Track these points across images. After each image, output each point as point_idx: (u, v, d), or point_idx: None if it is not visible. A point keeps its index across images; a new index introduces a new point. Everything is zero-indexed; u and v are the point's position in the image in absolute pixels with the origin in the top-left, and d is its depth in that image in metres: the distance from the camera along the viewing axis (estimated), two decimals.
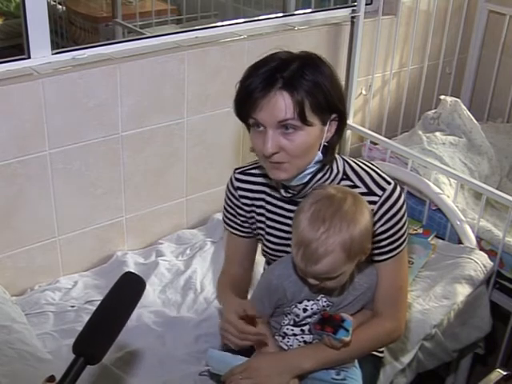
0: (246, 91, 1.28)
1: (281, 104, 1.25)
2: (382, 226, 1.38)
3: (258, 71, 1.27)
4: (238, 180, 1.51)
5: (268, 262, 1.60)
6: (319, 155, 1.34)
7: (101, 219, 2.07)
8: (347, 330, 1.31)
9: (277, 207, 1.47)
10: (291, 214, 1.44)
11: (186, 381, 1.58)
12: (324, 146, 1.34)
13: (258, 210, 1.50)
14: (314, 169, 1.36)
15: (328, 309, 1.37)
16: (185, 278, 2.01)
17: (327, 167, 1.39)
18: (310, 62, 1.29)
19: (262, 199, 1.49)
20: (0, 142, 1.77)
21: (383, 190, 1.38)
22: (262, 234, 1.53)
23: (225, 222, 1.59)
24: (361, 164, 1.43)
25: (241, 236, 1.58)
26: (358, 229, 1.25)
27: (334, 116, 1.32)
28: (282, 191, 1.42)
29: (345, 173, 1.42)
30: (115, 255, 2.13)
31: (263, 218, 1.50)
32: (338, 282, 1.30)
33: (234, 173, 1.52)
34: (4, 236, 1.89)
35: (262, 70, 1.27)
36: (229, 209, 1.55)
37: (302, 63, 1.27)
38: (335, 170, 1.41)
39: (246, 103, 1.28)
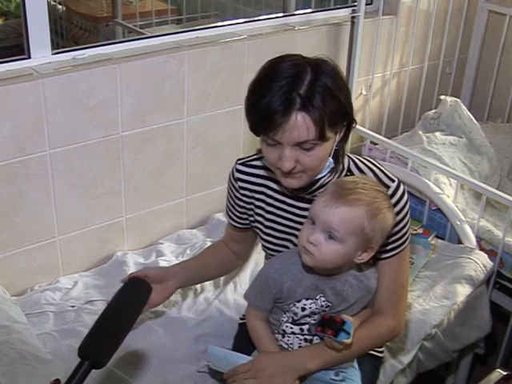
0: (265, 113, 1.25)
1: (303, 126, 1.24)
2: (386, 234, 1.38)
3: (271, 88, 1.24)
4: (238, 171, 1.51)
5: (267, 258, 1.60)
6: (330, 161, 1.36)
7: (101, 219, 2.07)
8: (348, 333, 1.31)
9: (278, 201, 1.48)
10: (293, 209, 1.45)
11: (186, 381, 1.58)
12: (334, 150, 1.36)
13: (257, 203, 1.51)
14: (324, 173, 1.38)
15: (327, 310, 1.37)
16: None
17: None
18: (320, 71, 1.27)
19: (262, 192, 1.49)
20: (0, 142, 1.77)
21: (387, 187, 1.39)
22: (259, 228, 1.53)
23: (226, 212, 1.62)
24: (365, 161, 1.45)
25: (237, 227, 1.60)
26: (382, 213, 1.28)
27: (344, 123, 1.34)
28: (290, 189, 1.43)
29: (349, 169, 1.43)
30: (115, 255, 2.12)
31: (262, 212, 1.50)
32: (332, 253, 1.28)
33: (236, 164, 1.53)
34: (4, 236, 1.89)
35: (275, 87, 1.24)
36: (229, 199, 1.57)
37: (313, 74, 1.25)
38: (340, 167, 1.42)
39: (267, 125, 1.26)
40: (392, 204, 1.36)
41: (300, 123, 1.24)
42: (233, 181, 1.53)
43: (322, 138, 1.26)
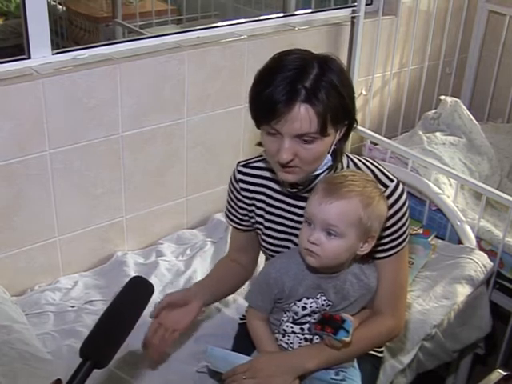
0: (268, 102, 1.25)
1: (305, 118, 1.24)
2: (384, 222, 1.38)
3: (277, 79, 1.25)
4: (240, 173, 1.51)
5: (267, 260, 1.60)
6: (329, 158, 1.36)
7: (101, 219, 2.07)
8: (347, 331, 1.31)
9: (279, 201, 1.48)
10: (293, 209, 1.46)
11: (186, 381, 1.58)
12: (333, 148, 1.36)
13: (259, 204, 1.51)
14: (321, 170, 1.38)
15: (328, 309, 1.37)
16: (185, 279, 2.01)
17: None
18: (327, 67, 1.27)
19: (263, 193, 1.49)
20: (0, 142, 1.77)
21: (386, 187, 1.39)
22: (260, 229, 1.53)
23: (226, 215, 1.61)
24: (364, 161, 1.45)
25: (241, 230, 1.59)
26: (376, 200, 1.29)
27: (346, 122, 1.34)
28: (288, 187, 1.43)
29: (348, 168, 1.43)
30: (115, 255, 2.12)
31: (263, 213, 1.50)
32: (336, 249, 1.28)
33: (237, 166, 1.53)
34: (4, 236, 1.89)
35: (280, 77, 1.25)
36: (230, 202, 1.56)
37: (320, 69, 1.26)
38: (339, 167, 1.42)
39: (269, 114, 1.26)
40: (389, 204, 1.37)
41: (303, 115, 1.24)
42: (234, 183, 1.53)
43: (323, 132, 1.27)
